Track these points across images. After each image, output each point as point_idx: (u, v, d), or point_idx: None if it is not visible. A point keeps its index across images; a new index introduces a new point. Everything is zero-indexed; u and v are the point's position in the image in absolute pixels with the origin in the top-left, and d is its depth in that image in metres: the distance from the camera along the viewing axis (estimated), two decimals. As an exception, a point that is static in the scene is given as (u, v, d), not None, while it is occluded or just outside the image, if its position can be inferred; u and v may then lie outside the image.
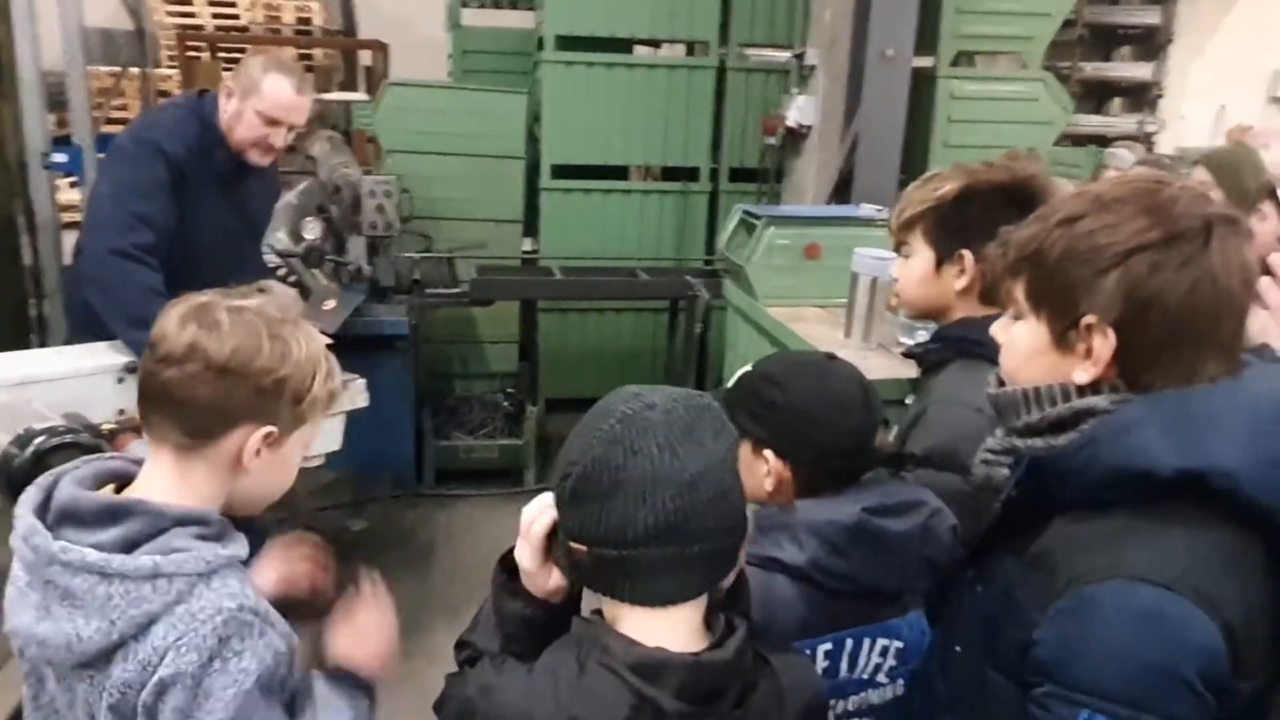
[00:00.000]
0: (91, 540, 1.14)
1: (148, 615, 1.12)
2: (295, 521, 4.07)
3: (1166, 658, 0.95)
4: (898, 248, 1.80)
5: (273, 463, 1.26)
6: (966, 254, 1.67)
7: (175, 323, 1.21)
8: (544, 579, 1.11)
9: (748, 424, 1.43)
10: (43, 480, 1.22)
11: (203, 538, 1.19)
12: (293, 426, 1.27)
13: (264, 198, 3.09)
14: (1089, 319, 1.05)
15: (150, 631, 1.12)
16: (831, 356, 1.48)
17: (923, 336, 2.19)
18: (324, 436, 2.51)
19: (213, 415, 1.21)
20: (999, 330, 1.20)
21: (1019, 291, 1.14)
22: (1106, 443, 1.03)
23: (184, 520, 1.17)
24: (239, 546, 1.23)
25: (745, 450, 1.44)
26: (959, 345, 1.69)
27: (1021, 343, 1.15)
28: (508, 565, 1.15)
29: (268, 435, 1.23)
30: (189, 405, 1.20)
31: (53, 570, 1.12)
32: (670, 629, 1.02)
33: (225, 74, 2.79)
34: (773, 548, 1.37)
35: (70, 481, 1.21)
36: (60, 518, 1.17)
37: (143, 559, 1.13)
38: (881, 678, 1.45)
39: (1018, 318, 1.16)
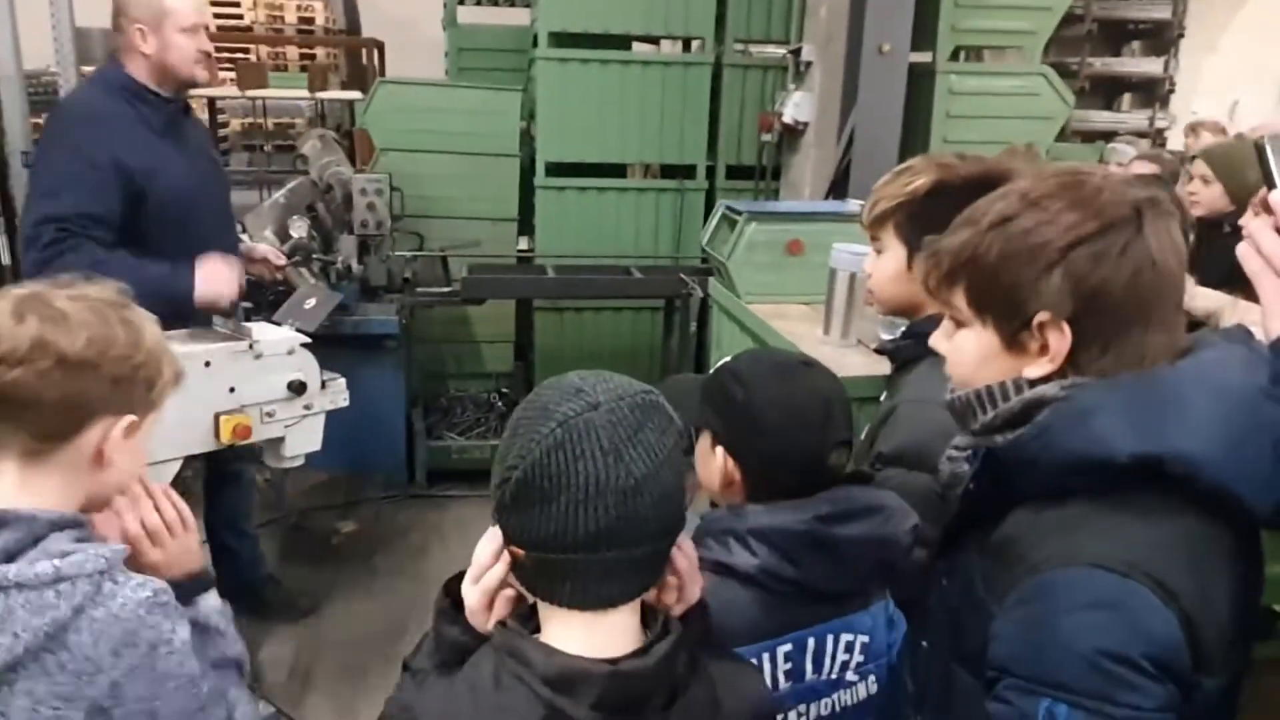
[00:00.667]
0: None
1: (55, 623, 1.07)
2: (284, 523, 4.11)
3: (1123, 646, 0.94)
4: (873, 243, 1.78)
5: (132, 453, 1.23)
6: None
7: (8, 317, 1.12)
8: (484, 619, 1.08)
9: (710, 417, 1.44)
10: None
11: (81, 540, 1.15)
12: (147, 412, 1.24)
13: (202, 139, 3.00)
14: (1042, 316, 1.05)
15: (69, 641, 1.08)
16: (809, 363, 1.45)
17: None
18: (303, 436, 2.51)
19: (67, 413, 1.14)
20: (939, 340, 1.19)
21: (959, 299, 1.13)
22: (1061, 431, 1.02)
23: (59, 524, 1.13)
24: (113, 540, 1.21)
25: (705, 441, 1.44)
26: (917, 348, 1.67)
27: (969, 350, 1.14)
28: (451, 591, 1.13)
29: (129, 426, 1.19)
30: (38, 406, 1.12)
31: None
32: (605, 632, 1.01)
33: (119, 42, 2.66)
34: (722, 552, 1.36)
35: None
36: None
37: (42, 565, 1.08)
38: (851, 675, 1.43)
39: (960, 325, 1.15)
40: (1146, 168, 4.12)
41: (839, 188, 4.49)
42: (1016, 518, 1.08)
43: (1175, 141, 7.57)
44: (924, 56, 4.68)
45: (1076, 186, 1.07)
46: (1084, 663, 0.95)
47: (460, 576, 1.11)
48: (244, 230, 3.60)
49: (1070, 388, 1.05)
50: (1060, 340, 1.05)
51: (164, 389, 1.26)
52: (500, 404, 4.94)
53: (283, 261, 2.98)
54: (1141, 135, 7.31)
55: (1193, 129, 5.64)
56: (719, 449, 1.42)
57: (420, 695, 1.05)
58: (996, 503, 1.12)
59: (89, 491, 1.22)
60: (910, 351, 1.73)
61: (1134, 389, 1.02)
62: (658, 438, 0.99)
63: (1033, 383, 1.07)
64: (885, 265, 1.74)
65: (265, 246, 3.06)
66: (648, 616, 1.05)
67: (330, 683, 3.19)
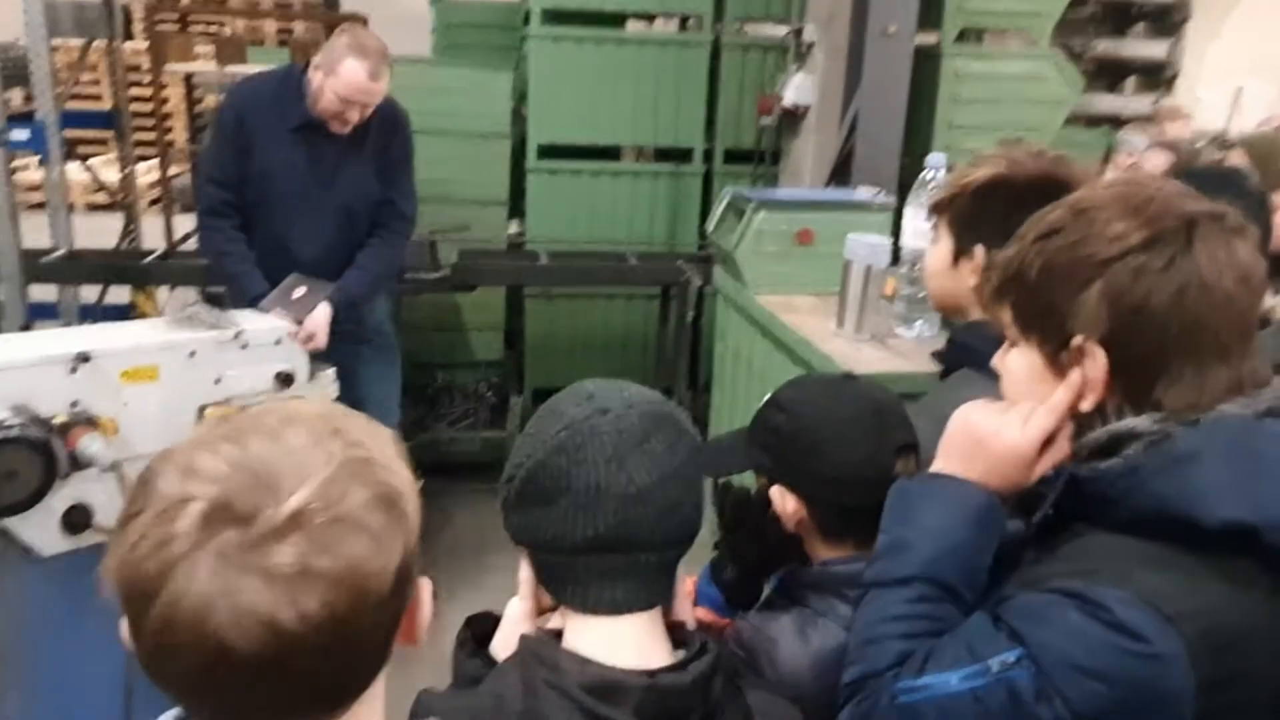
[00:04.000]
0: None
1: None
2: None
3: (1128, 681, 0.94)
4: (932, 230, 1.73)
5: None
6: (979, 250, 1.56)
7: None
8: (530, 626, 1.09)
9: (757, 454, 1.41)
10: None
11: None
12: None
13: (360, 158, 3.28)
14: (1077, 340, 1.03)
15: None
16: (851, 376, 1.43)
17: (920, 328, 2.16)
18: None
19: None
20: (999, 360, 1.17)
21: (1007, 317, 1.12)
22: (1153, 474, 0.99)
23: None
24: None
25: (774, 491, 1.39)
26: (962, 352, 1.64)
27: (1018, 371, 1.12)
28: (473, 625, 1.15)
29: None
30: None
31: None
32: (624, 639, 1.01)
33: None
34: (823, 605, 1.34)
35: None
36: None
37: None
38: None
39: (1013, 344, 1.13)
40: (1162, 157, 4.10)
41: (841, 174, 4.46)
42: (1083, 530, 1.07)
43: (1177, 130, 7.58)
44: (929, 38, 4.66)
45: (1127, 196, 1.04)
46: (1077, 670, 0.95)
47: (483, 615, 1.14)
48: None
49: (1163, 421, 1.01)
50: (1094, 366, 1.03)
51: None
52: (489, 394, 4.90)
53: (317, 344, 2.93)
54: (1145, 120, 7.30)
55: (1159, 119, 5.66)
56: (778, 489, 1.38)
57: (439, 704, 1.03)
58: (1065, 525, 1.10)
59: None
60: (947, 360, 1.70)
61: (1239, 439, 0.98)
62: (665, 449, 1.01)
63: (1119, 412, 1.04)
64: (934, 257, 1.68)
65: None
66: (685, 638, 1.05)
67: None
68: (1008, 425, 1.10)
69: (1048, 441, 1.09)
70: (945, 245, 1.63)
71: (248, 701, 0.74)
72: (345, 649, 0.75)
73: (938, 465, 1.18)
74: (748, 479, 1.45)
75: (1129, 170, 4.20)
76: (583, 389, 1.04)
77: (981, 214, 1.53)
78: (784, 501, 1.36)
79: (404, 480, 0.81)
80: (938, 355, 1.76)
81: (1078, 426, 1.08)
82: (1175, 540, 0.98)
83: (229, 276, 3.24)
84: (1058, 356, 1.06)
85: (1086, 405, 1.05)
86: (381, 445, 0.81)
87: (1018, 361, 1.12)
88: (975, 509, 1.12)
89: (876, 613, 1.12)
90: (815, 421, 1.35)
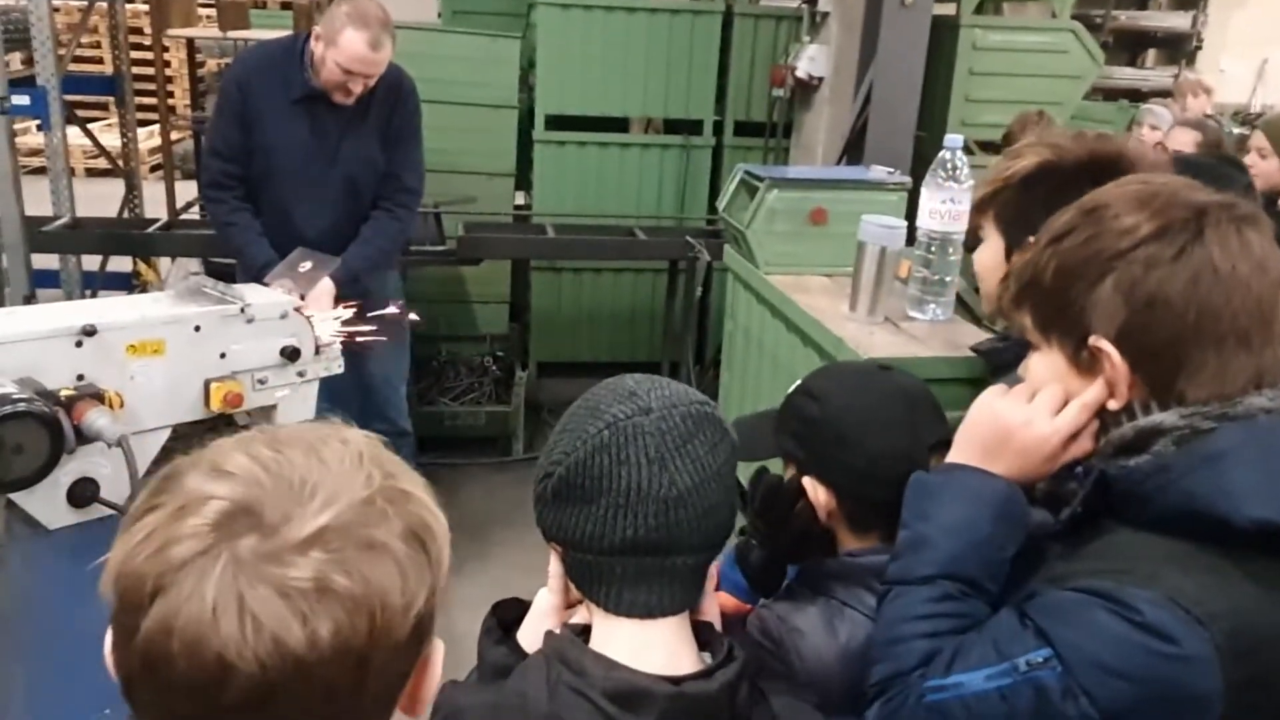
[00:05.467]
0: None
1: None
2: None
3: (1157, 682, 0.95)
4: (975, 232, 1.68)
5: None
6: (1031, 243, 1.55)
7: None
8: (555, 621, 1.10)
9: (787, 442, 1.41)
10: None
11: None
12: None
13: (364, 129, 3.26)
14: (1092, 340, 1.04)
15: None
16: (886, 367, 1.42)
17: (934, 310, 2.16)
18: (296, 404, 2.48)
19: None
20: (1024, 366, 1.18)
21: (1027, 322, 1.13)
22: (1184, 473, 1.00)
23: None
24: None
25: (807, 482, 1.39)
26: (1023, 347, 1.63)
27: (1041, 375, 1.13)
28: (499, 613, 1.15)
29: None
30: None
31: None
32: (653, 644, 1.01)
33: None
34: (852, 597, 1.34)
35: None
36: None
37: None
38: None
39: (1035, 349, 1.14)
40: (1189, 136, 4.07)
41: (854, 149, 4.44)
42: (1111, 527, 1.07)
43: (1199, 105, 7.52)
44: (947, 8, 4.62)
45: (1136, 192, 1.06)
46: (1105, 670, 0.96)
47: (510, 600, 1.14)
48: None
49: (1191, 416, 1.01)
50: (1111, 363, 1.04)
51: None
52: (495, 368, 4.92)
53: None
54: (1166, 94, 7.25)
55: (1180, 93, 5.61)
56: (809, 480, 1.37)
57: (467, 698, 1.03)
58: (1093, 520, 1.10)
59: None
60: (1002, 356, 1.68)
61: (1270, 437, 0.99)
62: (707, 451, 1.00)
63: (1145, 407, 1.04)
64: (983, 257, 1.62)
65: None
66: (711, 640, 1.05)
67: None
68: (1038, 417, 1.11)
69: (1071, 436, 1.10)
70: (994, 244, 1.58)
71: None
72: (350, 691, 0.69)
73: (957, 455, 1.18)
74: (777, 462, 1.45)
75: (1154, 147, 4.16)
76: (623, 385, 1.03)
77: (1031, 205, 1.48)
78: (815, 492, 1.36)
79: (440, 524, 0.76)
80: (985, 352, 1.74)
81: (1101, 423, 1.09)
82: (1204, 539, 0.99)
83: (236, 248, 3.25)
84: (1078, 356, 1.07)
85: (1115, 404, 1.06)
86: (420, 487, 0.77)
87: (1040, 365, 1.13)
88: (998, 502, 1.12)
89: (901, 611, 1.13)
90: (847, 413, 1.35)
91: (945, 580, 1.11)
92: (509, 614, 1.16)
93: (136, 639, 0.66)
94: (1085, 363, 1.07)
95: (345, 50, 2.98)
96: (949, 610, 1.10)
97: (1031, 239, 1.46)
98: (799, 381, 1.46)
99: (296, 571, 0.66)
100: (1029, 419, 1.11)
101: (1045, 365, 1.12)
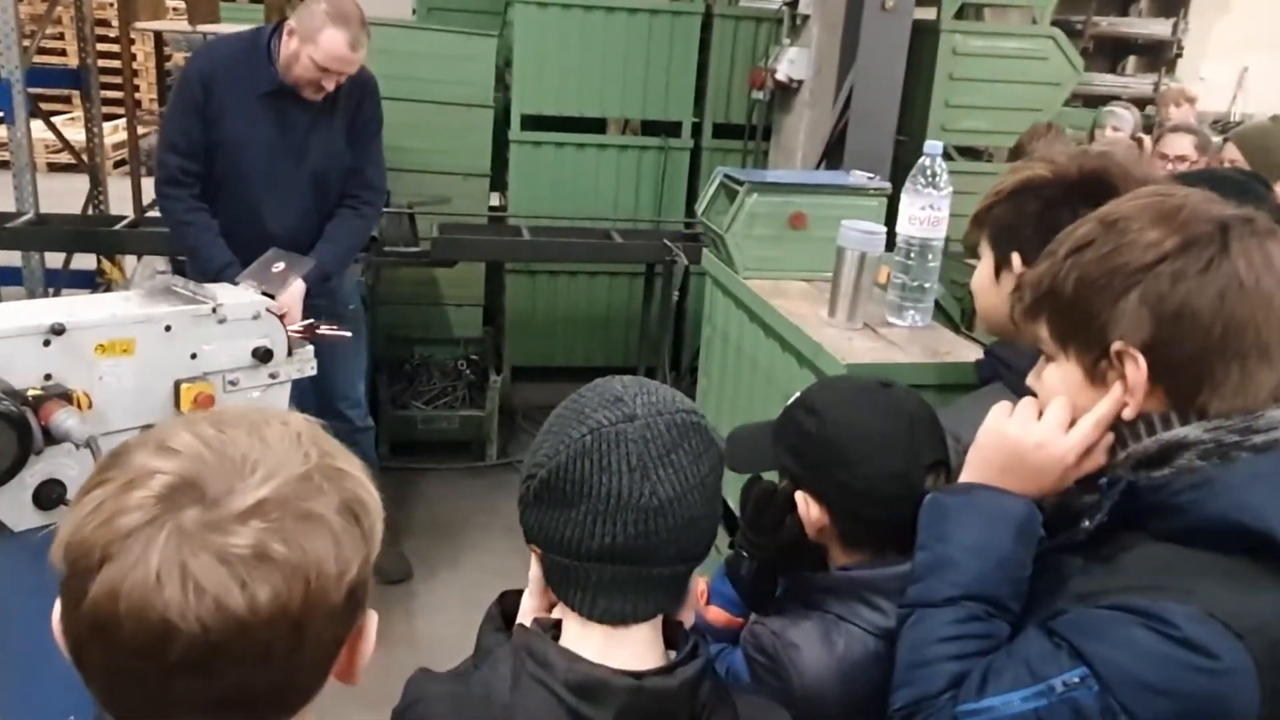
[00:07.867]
0: None
1: None
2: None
3: (1198, 697, 0.97)
4: (974, 248, 1.68)
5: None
6: (1015, 258, 1.52)
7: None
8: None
9: (783, 455, 1.42)
10: None
11: None
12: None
13: (331, 125, 3.27)
14: (1117, 345, 1.06)
15: None
16: (887, 383, 1.42)
17: (914, 316, 2.20)
18: (268, 406, 2.49)
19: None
20: (1032, 379, 1.19)
21: (1043, 332, 1.15)
22: (1224, 490, 1.02)
23: None
24: None
25: (799, 496, 1.40)
26: (994, 367, 1.64)
27: (1055, 386, 1.15)
28: (504, 603, 1.16)
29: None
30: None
31: None
32: (623, 647, 1.02)
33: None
34: (846, 611, 1.35)
35: None
36: None
37: None
38: None
39: (1048, 361, 1.16)
40: (1186, 140, 4.11)
41: (834, 152, 4.49)
42: (1137, 538, 1.09)
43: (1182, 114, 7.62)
44: (928, 13, 4.68)
45: (1157, 205, 1.08)
46: (1145, 688, 0.98)
47: (515, 592, 1.14)
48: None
49: (1215, 430, 1.04)
50: (1136, 371, 1.05)
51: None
52: (468, 372, 4.93)
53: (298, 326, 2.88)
54: (1146, 102, 7.36)
55: (1164, 102, 5.69)
56: (802, 495, 1.38)
57: (432, 686, 1.05)
58: (1116, 531, 1.12)
59: None
60: (980, 373, 1.71)
61: None
62: (691, 461, 1.01)
63: (1164, 420, 1.07)
64: (977, 275, 1.63)
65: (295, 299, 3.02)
66: (677, 637, 1.07)
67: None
68: (1053, 437, 1.12)
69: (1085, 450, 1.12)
70: (986, 261, 1.60)
71: (174, 699, 0.73)
72: (287, 653, 0.74)
73: (971, 475, 1.20)
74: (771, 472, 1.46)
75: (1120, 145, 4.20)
76: (610, 389, 1.03)
77: (1016, 219, 1.52)
78: (808, 508, 1.37)
79: (373, 500, 0.83)
80: (975, 368, 1.77)
81: (1116, 436, 1.11)
82: (1235, 552, 1.01)
83: (190, 249, 3.22)
84: (1097, 366, 1.09)
85: (1129, 414, 1.08)
86: (357, 468, 0.84)
87: (1054, 376, 1.15)
88: (1018, 521, 1.14)
89: (925, 634, 1.14)
90: (847, 431, 1.35)
91: (970, 601, 1.12)
92: (513, 605, 1.17)
93: (84, 604, 0.71)
94: (1104, 372, 1.09)
95: (325, 48, 2.98)
96: (975, 631, 1.11)
97: (1016, 254, 1.52)
98: (798, 394, 1.46)
99: (237, 540, 0.72)
100: (1043, 439, 1.13)
101: (1060, 376, 1.14)
